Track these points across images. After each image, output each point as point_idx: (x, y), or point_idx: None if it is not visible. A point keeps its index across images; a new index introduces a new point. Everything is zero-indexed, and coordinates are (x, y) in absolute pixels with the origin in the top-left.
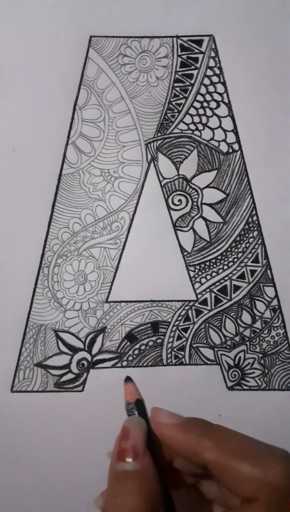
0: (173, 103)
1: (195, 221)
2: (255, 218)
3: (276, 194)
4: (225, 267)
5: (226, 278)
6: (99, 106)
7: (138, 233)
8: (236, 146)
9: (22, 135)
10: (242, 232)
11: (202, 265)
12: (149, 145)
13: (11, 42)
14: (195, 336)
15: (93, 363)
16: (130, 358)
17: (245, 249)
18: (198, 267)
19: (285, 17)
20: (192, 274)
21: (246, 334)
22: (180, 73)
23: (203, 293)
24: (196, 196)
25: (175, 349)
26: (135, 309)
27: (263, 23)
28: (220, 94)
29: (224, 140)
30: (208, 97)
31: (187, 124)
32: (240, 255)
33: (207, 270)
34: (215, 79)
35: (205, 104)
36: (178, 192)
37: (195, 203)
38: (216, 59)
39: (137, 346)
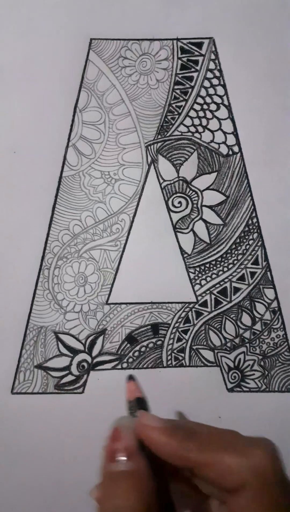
0: (173, 105)
1: (195, 223)
2: (255, 220)
3: (276, 196)
4: (225, 269)
5: (226, 280)
6: (100, 108)
7: (138, 235)
8: (236, 148)
9: (23, 137)
10: (242, 234)
11: (202, 267)
12: (149, 147)
13: (11, 45)
14: (195, 338)
15: (93, 365)
16: (130, 360)
17: (245, 251)
18: (198, 269)
19: (285, 20)
20: (192, 276)
21: (246, 336)
22: (180, 76)
23: (203, 295)
24: (196, 198)
25: (175, 351)
26: (135, 311)
27: (263, 25)
28: (220, 97)
29: (224, 142)
30: (208, 100)
31: (187, 126)
32: (240, 257)
33: (207, 272)
34: (215, 81)
35: (205, 107)
36: (178, 194)
37: (195, 205)
38: (216, 61)
39: (137, 348)
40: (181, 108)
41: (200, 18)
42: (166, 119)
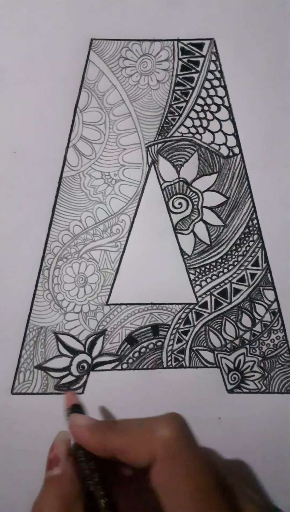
0: (174, 106)
1: (195, 224)
2: (255, 221)
3: (277, 197)
4: (225, 270)
5: (226, 281)
6: (100, 109)
7: (139, 236)
8: (236, 150)
9: (23, 137)
10: (242, 236)
11: (202, 268)
12: (149, 148)
13: (11, 45)
14: (195, 339)
15: (93, 366)
16: (130, 360)
17: (245, 252)
18: (198, 270)
19: (286, 21)
20: (192, 277)
21: (246, 337)
22: (181, 77)
23: (203, 296)
24: (197, 199)
25: (175, 352)
26: (135, 311)
27: (263, 26)
28: (221, 98)
29: (225, 144)
30: (208, 101)
31: (188, 128)
32: (240, 258)
33: (207, 273)
34: (215, 82)
35: (205, 108)
36: (179, 195)
37: (195, 206)
38: (217, 62)
39: (137, 349)
40: (182, 109)
41: (201, 19)
42: (166, 120)
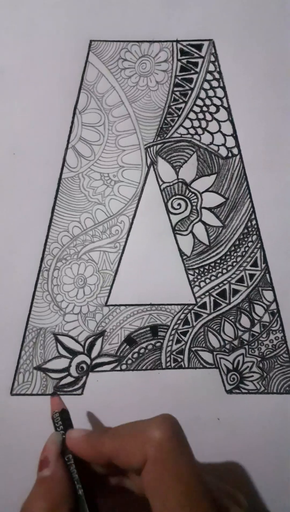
0: (173, 107)
1: (194, 225)
2: (254, 222)
3: (275, 198)
4: (224, 271)
5: (225, 282)
6: (99, 110)
7: (138, 237)
8: (235, 151)
9: (22, 139)
10: (241, 236)
11: (201, 269)
12: (148, 149)
13: (11, 46)
14: (194, 339)
15: (92, 367)
16: (129, 361)
17: (244, 253)
18: (197, 270)
19: (285, 22)
20: (191, 277)
21: (245, 338)
22: (179, 78)
23: (202, 296)
24: (196, 200)
25: (174, 353)
26: (134, 312)
27: (263, 27)
28: (220, 99)
29: (224, 145)
30: (207, 102)
31: (187, 128)
32: (239, 259)
33: (206, 274)
34: (214, 83)
35: (204, 109)
36: (178, 196)
37: (194, 207)
38: (216, 63)
39: (136, 350)
40: (181, 110)
41: (200, 20)
42: (165, 121)
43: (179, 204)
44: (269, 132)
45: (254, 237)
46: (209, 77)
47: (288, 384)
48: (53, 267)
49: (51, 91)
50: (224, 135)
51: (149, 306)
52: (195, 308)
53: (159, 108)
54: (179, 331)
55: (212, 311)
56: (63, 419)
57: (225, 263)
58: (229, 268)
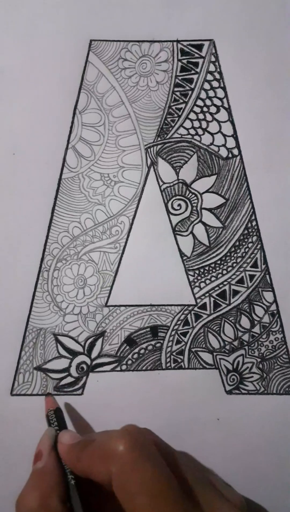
0: (173, 107)
1: (194, 225)
2: (254, 223)
3: (276, 199)
4: (224, 271)
5: (225, 282)
6: (99, 110)
7: (138, 238)
8: (235, 151)
9: (22, 139)
10: (241, 237)
11: (202, 270)
12: (149, 149)
13: (11, 46)
14: (194, 340)
15: (92, 367)
16: (129, 362)
17: (244, 254)
18: (197, 271)
19: (286, 22)
20: (191, 278)
21: (245, 339)
22: (180, 78)
23: (202, 297)
24: (196, 200)
25: (174, 353)
26: (135, 313)
27: (263, 27)
28: (220, 99)
29: (224, 145)
30: (208, 102)
31: (187, 129)
32: (239, 260)
33: (206, 274)
34: (215, 84)
35: (205, 109)
36: (178, 197)
37: (194, 208)
38: (216, 64)
39: (136, 350)
40: (181, 111)
41: (201, 20)
42: (166, 122)
43: (179, 205)
44: (270, 132)
45: (254, 238)
46: (209, 77)
47: (288, 385)
48: (53, 267)
49: (51, 91)
50: (224, 135)
51: (149, 307)
52: (195, 309)
53: (159, 109)
54: (179, 332)
55: (212, 312)
56: (57, 416)
57: (225, 264)
58: (229, 269)
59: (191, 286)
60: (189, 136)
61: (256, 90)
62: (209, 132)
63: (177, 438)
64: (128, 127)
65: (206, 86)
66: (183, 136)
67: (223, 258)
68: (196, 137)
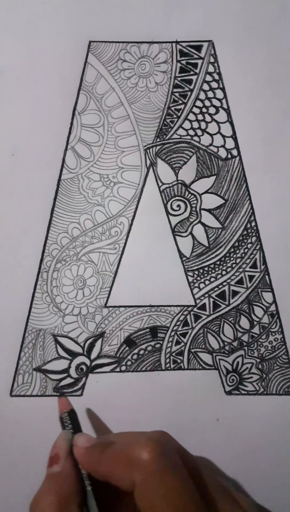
0: (172, 108)
1: (193, 226)
2: (253, 223)
3: (275, 200)
4: (224, 272)
5: (224, 283)
6: (98, 111)
7: (137, 238)
8: (235, 152)
9: (21, 140)
10: (241, 238)
11: (201, 270)
12: (148, 150)
13: (10, 47)
14: (194, 341)
15: (92, 368)
16: (129, 362)
17: (243, 254)
18: (196, 272)
19: (286, 23)
20: (190, 279)
21: (244, 339)
22: (179, 79)
23: (202, 298)
24: (195, 201)
25: (173, 354)
26: (134, 314)
27: (263, 28)
28: (219, 100)
29: (223, 146)
30: (207, 103)
31: (186, 130)
32: (238, 260)
33: (205, 275)
34: (214, 84)
35: (204, 110)
36: (177, 198)
37: (194, 209)
38: (216, 64)
39: (135, 351)
40: (180, 111)
41: (200, 21)
42: (165, 122)
43: (178, 206)
44: (269, 133)
45: (254, 239)
46: (208, 78)
47: (288, 385)
48: (53, 268)
49: (50, 92)
50: (223, 136)
51: (148, 308)
52: (195, 309)
53: (158, 109)
54: (178, 333)
55: (211, 312)
56: (72, 418)
57: (224, 264)
58: (229, 269)
59: (191, 286)
60: (188, 137)
61: (256, 91)
62: (208, 133)
63: (177, 439)
64: (127, 128)
65: (205, 87)
66: (182, 137)
67: (223, 259)
68: (195, 138)
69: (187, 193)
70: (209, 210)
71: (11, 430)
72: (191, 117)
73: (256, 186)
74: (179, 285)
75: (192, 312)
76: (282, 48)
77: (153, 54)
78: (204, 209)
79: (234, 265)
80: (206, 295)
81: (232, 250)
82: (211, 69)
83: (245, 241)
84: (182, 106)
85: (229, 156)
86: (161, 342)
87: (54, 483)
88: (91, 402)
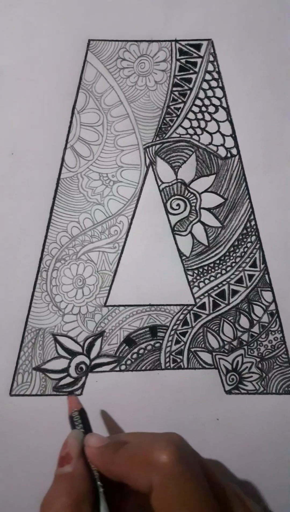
0: (172, 107)
1: (193, 225)
2: (253, 223)
3: (275, 199)
4: (223, 271)
5: (224, 282)
6: (98, 110)
7: (137, 237)
8: (234, 151)
9: (21, 139)
10: (240, 237)
11: (200, 270)
12: (147, 149)
13: (9, 46)
14: (193, 340)
15: (91, 367)
16: (129, 362)
17: (243, 253)
18: (196, 271)
19: (285, 22)
20: (190, 278)
21: (244, 338)
22: (178, 77)
23: (201, 297)
24: (195, 200)
25: (173, 353)
26: (134, 313)
27: (262, 27)
28: (219, 99)
29: (223, 145)
30: (206, 102)
31: (186, 129)
32: (238, 259)
33: (205, 274)
34: (213, 83)
35: (203, 109)
36: (177, 197)
37: (193, 208)
38: (215, 63)
39: (135, 350)
40: (180, 110)
41: (199, 20)
42: (164, 121)
43: (178, 205)
44: (268, 132)
45: (253, 238)
46: (208, 77)
47: (287, 384)
48: (52, 267)
49: (49, 91)
50: (223, 135)
51: (148, 307)
52: (194, 308)
53: (158, 108)
54: (178, 332)
55: (211, 311)
56: (82, 418)
57: (224, 263)
58: (228, 268)
59: (190, 286)
60: (188, 136)
61: (255, 89)
62: (207, 132)
63: None
64: (126, 126)
65: (205, 85)
66: (181, 136)
67: (222, 258)
68: (195, 137)
69: (186, 192)
70: (208, 209)
71: (10, 429)
72: (191, 116)
73: (255, 185)
74: (178, 284)
75: (191, 311)
76: (282, 47)
77: (152, 52)
78: (204, 208)
79: (233, 264)
80: (206, 294)
81: (232, 249)
82: (210, 67)
83: (245, 240)
84: (181, 105)
85: (229, 155)
86: (160, 341)
87: (66, 483)
88: (91, 402)
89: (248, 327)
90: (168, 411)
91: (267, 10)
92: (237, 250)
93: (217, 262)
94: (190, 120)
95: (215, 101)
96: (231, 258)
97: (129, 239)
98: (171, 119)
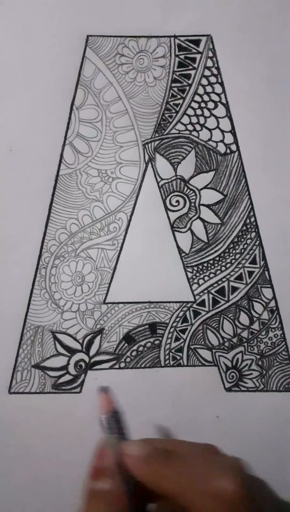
0: (171, 103)
1: (192, 222)
2: (252, 219)
3: (274, 195)
4: (223, 268)
5: (224, 279)
6: (96, 106)
7: (136, 234)
8: (234, 147)
9: (19, 135)
10: (240, 234)
11: (200, 266)
12: (146, 145)
13: (8, 42)
14: (193, 337)
15: (90, 365)
16: (128, 359)
17: (243, 250)
18: (196, 268)
19: (283, 18)
20: (190, 275)
21: (244, 336)
22: (177, 73)
23: (201, 294)
24: (194, 197)
25: (173, 351)
26: (133, 310)
27: (261, 23)
28: (218, 95)
29: (222, 141)
30: (205, 98)
31: (185, 125)
32: (238, 256)
33: (205, 271)
34: (212, 79)
35: (202, 105)
36: (176, 193)
37: (192, 204)
38: (214, 59)
39: (135, 348)
40: (179, 106)
41: (198, 17)
42: (163, 117)
43: (177, 201)
44: (268, 128)
45: (253, 234)
46: (207, 72)
47: (288, 382)
48: (51, 264)
49: (48, 87)
50: (222, 131)
51: (147, 304)
52: (194, 305)
53: (157, 104)
54: (177, 329)
55: (211, 308)
56: (118, 421)
57: (223, 260)
58: (228, 265)
59: (190, 282)
60: (187, 132)
61: (254, 85)
62: (207, 128)
63: (177, 436)
64: (125, 123)
65: (204, 81)
66: (181, 132)
67: (222, 255)
68: (194, 133)
69: (186, 188)
70: (208, 206)
71: (9, 427)
72: (190, 112)
73: (255, 181)
74: (178, 281)
75: (191, 308)
76: (280, 43)
77: (151, 48)
78: (203, 205)
79: (233, 261)
80: (206, 291)
81: (232, 245)
82: (209, 63)
83: (245, 236)
84: (180, 101)
85: (228, 151)
86: (160, 338)
87: (108, 503)
88: (90, 399)
89: (248, 324)
90: (168, 409)
91: (266, 5)
92: (237, 247)
93: (217, 258)
94: (189, 116)
95: (214, 97)
96: (231, 254)
97: (128, 236)
98: (170, 115)
